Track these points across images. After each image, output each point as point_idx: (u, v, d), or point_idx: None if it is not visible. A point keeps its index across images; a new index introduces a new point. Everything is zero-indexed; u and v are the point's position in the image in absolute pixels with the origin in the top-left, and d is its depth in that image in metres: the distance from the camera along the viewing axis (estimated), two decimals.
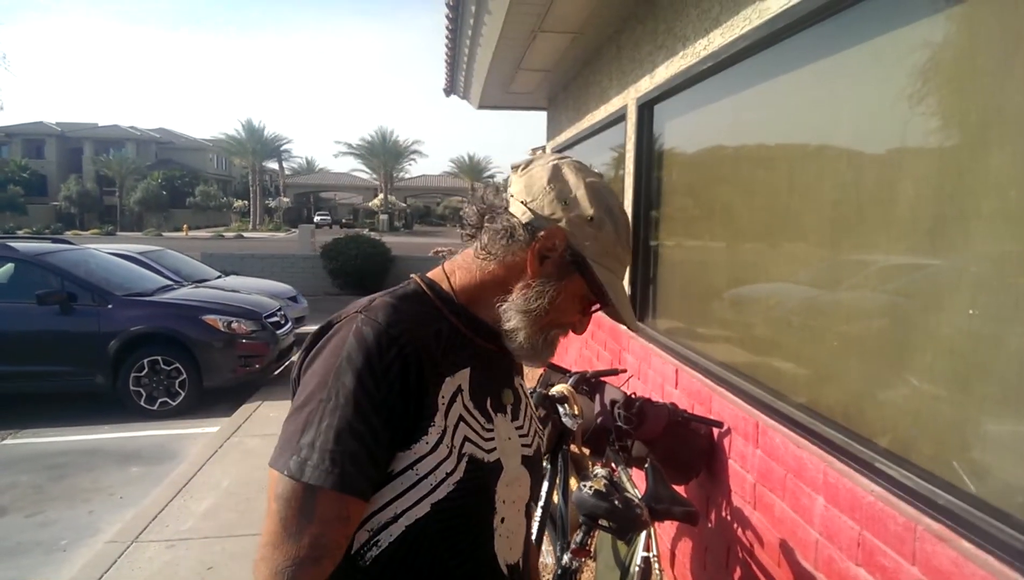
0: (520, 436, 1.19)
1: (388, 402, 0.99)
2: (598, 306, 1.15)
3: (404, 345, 1.01)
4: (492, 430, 1.11)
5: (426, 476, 1.02)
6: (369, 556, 1.04)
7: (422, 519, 1.03)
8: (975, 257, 1.56)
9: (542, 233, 1.08)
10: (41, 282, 7.01)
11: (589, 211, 1.08)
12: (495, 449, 1.10)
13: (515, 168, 1.17)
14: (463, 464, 1.04)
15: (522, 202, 1.10)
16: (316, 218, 57.51)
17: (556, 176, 1.11)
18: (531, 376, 7.51)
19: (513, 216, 1.10)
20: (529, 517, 1.23)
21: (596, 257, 1.08)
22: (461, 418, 1.07)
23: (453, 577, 1.08)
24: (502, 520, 1.12)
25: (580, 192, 1.09)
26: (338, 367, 0.99)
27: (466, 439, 1.06)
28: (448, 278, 1.16)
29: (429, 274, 1.19)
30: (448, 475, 1.03)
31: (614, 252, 1.11)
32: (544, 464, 2.86)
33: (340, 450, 0.95)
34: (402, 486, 1.02)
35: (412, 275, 1.19)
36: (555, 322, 1.12)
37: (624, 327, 1.21)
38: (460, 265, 1.17)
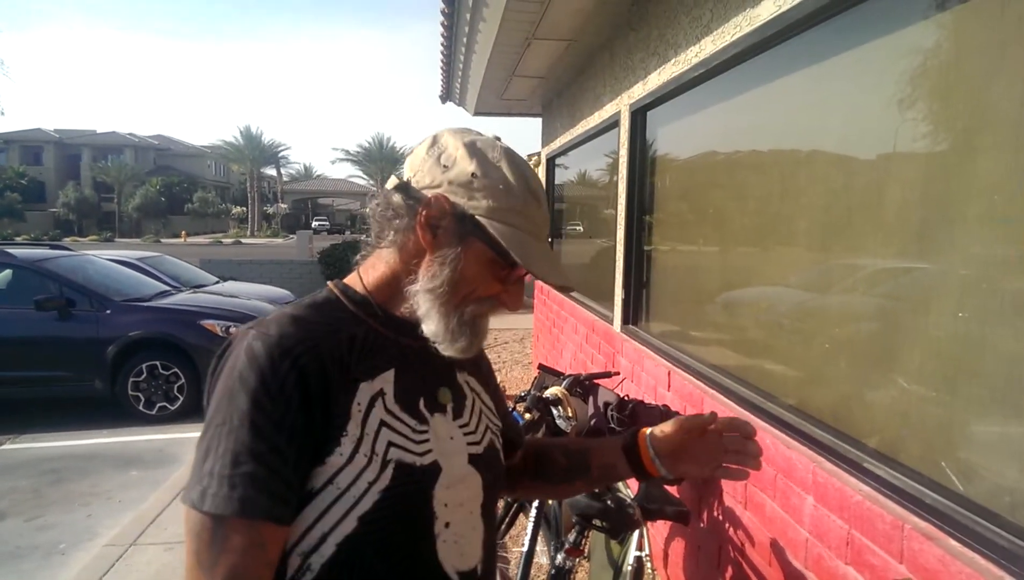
0: (466, 434, 1.12)
1: (288, 418, 0.92)
2: (521, 272, 1.05)
3: (299, 356, 0.94)
4: (426, 431, 1.05)
5: (348, 488, 0.96)
6: None
7: (352, 535, 0.96)
8: (963, 260, 1.58)
9: (422, 204, 1.02)
10: (39, 288, 7.03)
11: (470, 168, 1.01)
12: (430, 451, 1.03)
13: (407, 152, 1.13)
14: (389, 470, 0.98)
15: (405, 180, 1.06)
16: (314, 224, 56.60)
17: (434, 143, 1.06)
18: (525, 380, 7.53)
19: (393, 194, 1.06)
20: (490, 519, 1.16)
21: (488, 213, 1.00)
22: (383, 423, 1.00)
23: None
24: (446, 525, 1.05)
25: (459, 152, 1.03)
26: (231, 388, 0.93)
27: (391, 444, 0.99)
28: (361, 279, 1.11)
29: (345, 279, 1.14)
30: (371, 484, 0.96)
31: (511, 205, 1.01)
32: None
33: (240, 474, 0.89)
34: (324, 503, 0.96)
35: (329, 282, 1.14)
36: (469, 298, 1.04)
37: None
38: (371, 263, 1.12)
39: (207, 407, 0.96)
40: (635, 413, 2.69)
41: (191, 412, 7.07)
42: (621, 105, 4.16)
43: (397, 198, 1.05)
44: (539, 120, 7.89)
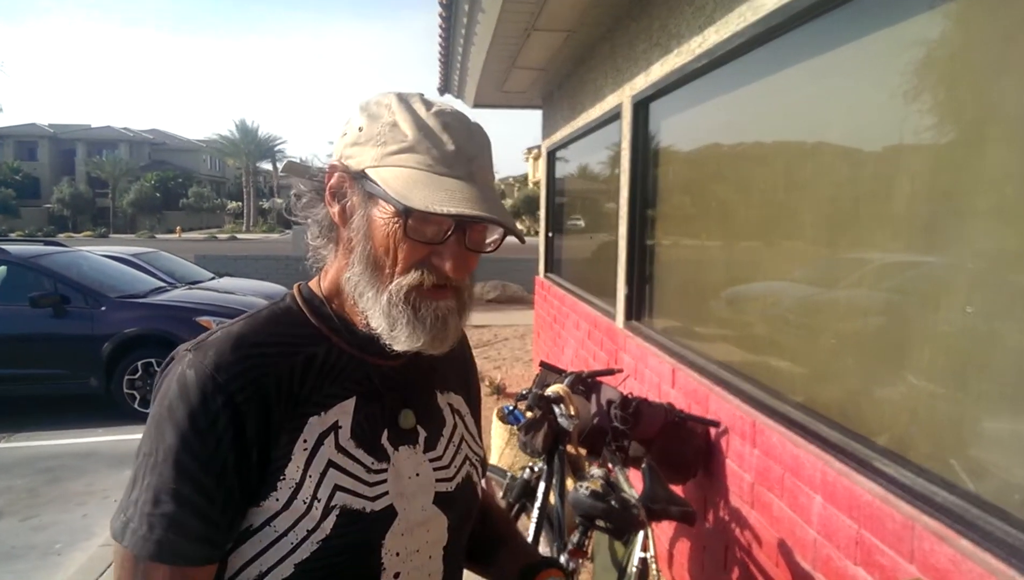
0: (436, 470, 1.00)
1: (218, 458, 0.83)
2: (443, 225, 0.87)
3: (235, 392, 0.84)
4: (384, 470, 0.93)
5: (285, 533, 0.87)
6: None
7: (289, 579, 0.88)
8: (972, 254, 1.56)
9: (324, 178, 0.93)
10: (34, 284, 6.98)
11: (356, 124, 0.91)
12: (385, 494, 0.92)
13: None
14: (331, 519, 0.87)
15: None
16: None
17: (345, 124, 0.95)
18: (526, 377, 7.51)
19: (298, 184, 0.97)
20: (455, 561, 1.05)
21: (376, 162, 0.88)
22: (331, 463, 0.89)
23: None
24: (395, 576, 0.94)
25: (353, 116, 0.92)
26: (159, 418, 0.85)
27: (338, 488, 0.89)
28: (320, 286, 0.99)
29: (310, 282, 1.01)
30: (310, 532, 0.87)
31: (399, 146, 0.87)
32: (542, 466, 2.85)
33: (159, 514, 0.83)
34: (262, 543, 0.88)
35: (295, 285, 1.02)
36: (395, 270, 0.89)
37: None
38: (325, 266, 1.00)
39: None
40: (639, 411, 2.66)
41: None
42: (623, 97, 4.12)
43: (300, 185, 0.96)
44: (539, 112, 7.85)
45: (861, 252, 2.00)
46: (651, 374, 3.51)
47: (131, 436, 6.42)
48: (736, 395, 2.58)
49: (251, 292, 9.46)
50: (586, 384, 2.97)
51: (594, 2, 4.07)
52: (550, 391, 2.82)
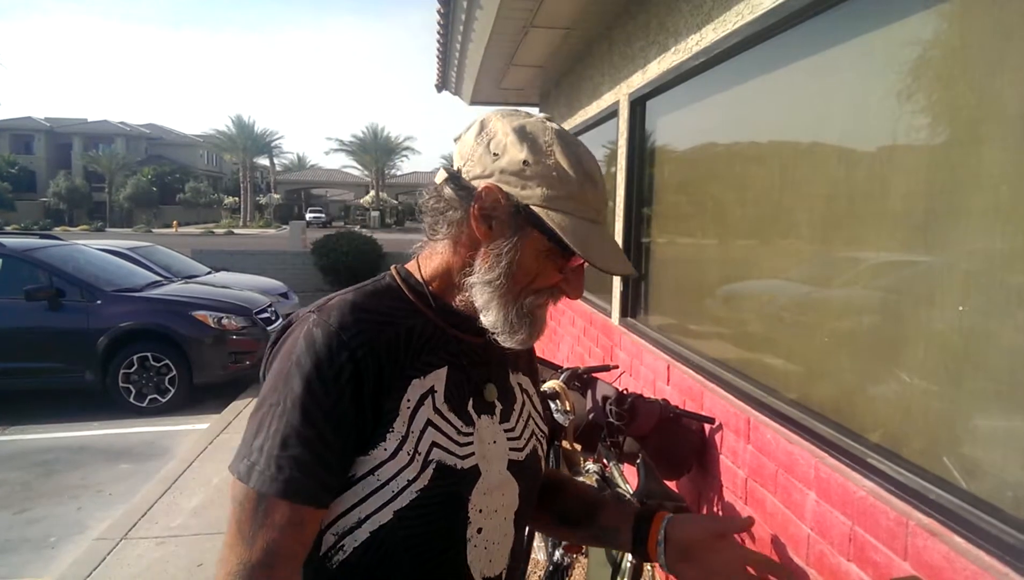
0: (509, 439, 1.11)
1: (338, 408, 0.93)
2: (580, 260, 1.00)
3: (356, 349, 0.95)
4: (471, 434, 1.04)
5: (387, 483, 0.97)
6: (336, 560, 1.00)
7: (386, 526, 0.98)
8: (965, 253, 1.56)
9: (475, 194, 0.99)
10: (29, 278, 6.98)
11: (521, 155, 0.97)
12: (472, 454, 1.03)
13: (456, 138, 1.08)
14: (429, 471, 0.98)
15: (455, 169, 1.03)
16: (308, 216, 53.14)
17: (482, 129, 1.02)
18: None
19: (444, 186, 1.03)
20: (521, 527, 1.15)
21: (543, 202, 0.96)
22: (430, 423, 1.00)
23: None
24: (478, 530, 1.05)
25: (509, 138, 0.98)
26: (288, 371, 0.94)
27: (434, 445, 0.99)
28: (420, 269, 1.09)
29: (407, 265, 1.12)
30: (410, 482, 0.97)
31: (566, 191, 0.96)
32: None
33: (287, 455, 0.92)
34: (364, 491, 0.97)
35: (392, 267, 1.12)
36: (529, 288, 1.00)
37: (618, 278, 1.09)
38: (428, 254, 1.09)
39: (263, 382, 0.99)
40: (634, 407, 2.67)
41: (182, 405, 7.04)
42: (620, 94, 4.12)
43: (448, 190, 1.02)
44: (536, 109, 7.84)
45: (855, 251, 2.00)
46: (646, 370, 3.51)
47: (126, 430, 6.42)
48: (730, 392, 2.59)
49: (248, 287, 9.46)
50: (582, 380, 2.97)
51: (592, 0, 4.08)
52: (546, 386, 2.82)
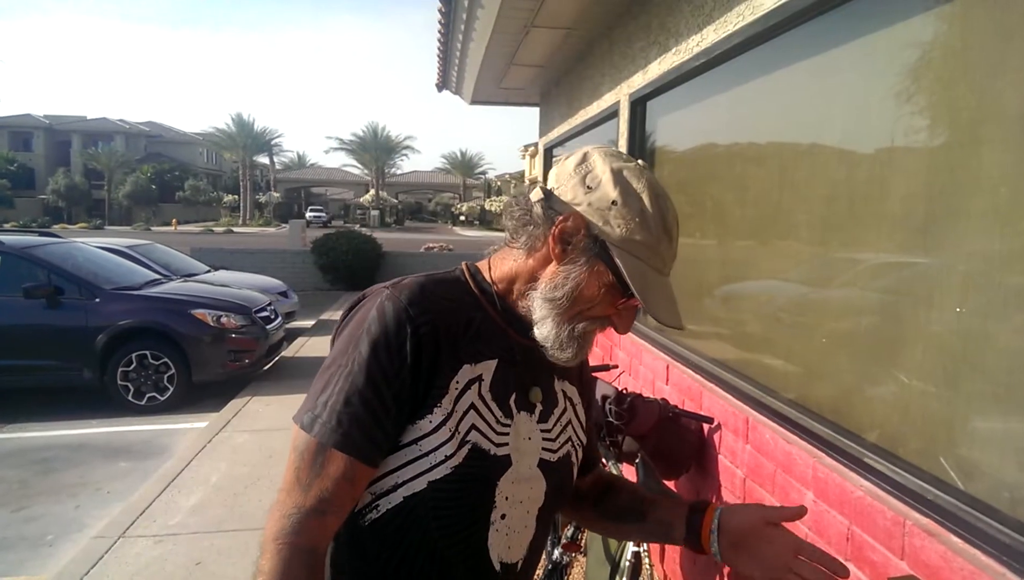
0: (545, 439, 1.18)
1: (400, 376, 1.02)
2: (637, 301, 1.06)
3: (420, 325, 1.04)
4: (509, 426, 1.11)
5: (427, 454, 1.04)
6: (368, 518, 1.08)
7: (419, 494, 1.05)
8: (964, 255, 1.57)
9: (560, 217, 1.05)
10: (28, 275, 6.95)
11: (612, 194, 1.04)
12: (506, 444, 1.10)
13: (557, 160, 1.16)
14: (464, 451, 1.05)
15: (548, 189, 1.10)
16: (308, 215, 51.33)
17: (583, 161, 1.08)
18: None
19: (534, 203, 1.09)
20: (544, 524, 1.21)
21: (619, 242, 1.03)
22: (473, 406, 1.08)
23: (441, 558, 1.09)
24: (502, 516, 1.12)
25: (605, 176, 1.05)
26: (359, 337, 1.04)
27: (474, 427, 1.07)
28: (490, 269, 1.17)
29: (477, 263, 1.20)
30: (447, 458, 1.04)
31: (643, 239, 1.03)
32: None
33: (348, 412, 1.00)
34: (405, 458, 1.05)
35: (463, 263, 1.20)
36: (584, 314, 1.08)
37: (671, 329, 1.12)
38: (500, 256, 1.17)
39: (332, 347, 1.09)
40: (633, 407, 2.67)
41: (181, 403, 7.04)
42: (620, 95, 4.13)
43: (538, 208, 1.09)
44: (536, 109, 7.85)
45: (854, 252, 2.01)
46: (645, 370, 3.52)
47: (124, 428, 6.42)
48: (729, 392, 2.59)
49: (247, 285, 9.46)
50: None
51: (594, 0, 4.07)
52: None
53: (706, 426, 2.75)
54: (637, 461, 2.46)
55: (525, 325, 1.11)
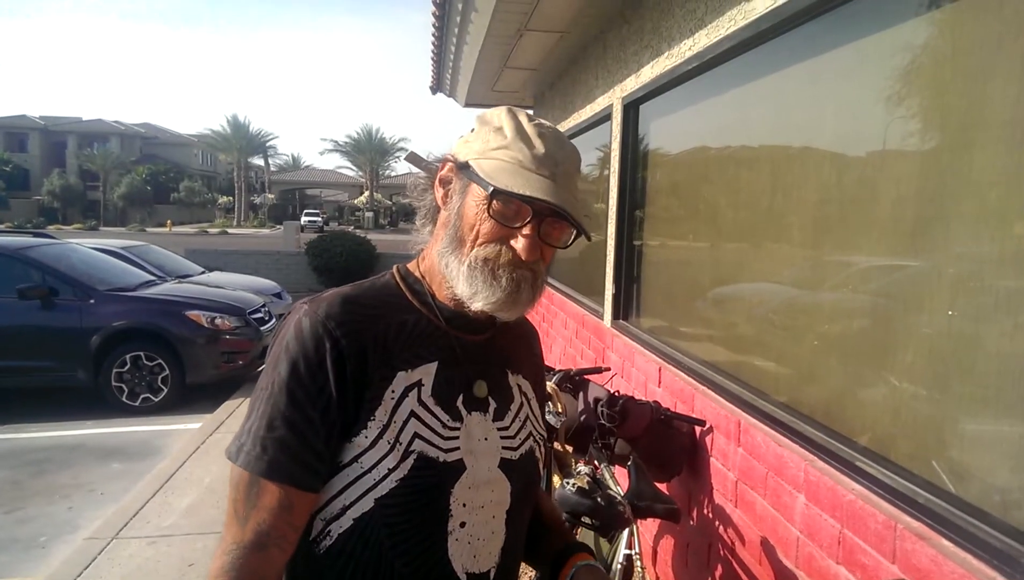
0: (504, 438, 1.12)
1: (324, 394, 0.98)
2: (524, 215, 1.01)
3: (340, 338, 0.99)
4: (457, 429, 1.06)
5: (369, 470, 1.00)
6: (323, 546, 1.04)
7: (367, 514, 1.01)
8: (955, 258, 1.57)
9: (438, 167, 1.10)
10: (22, 276, 6.93)
11: (472, 129, 1.10)
12: (457, 449, 1.05)
13: None
14: (409, 461, 1.00)
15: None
16: (303, 219, 44.64)
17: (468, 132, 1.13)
18: None
19: (420, 176, 1.14)
20: (517, 527, 1.15)
21: (479, 155, 1.04)
22: (413, 414, 1.03)
23: (399, 576, 1.03)
24: (461, 524, 1.06)
25: (474, 124, 1.11)
26: (277, 357, 1.00)
27: (417, 436, 1.02)
28: (419, 265, 1.15)
29: (408, 264, 1.17)
30: (391, 471, 1.00)
31: (500, 143, 1.03)
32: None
33: (272, 437, 0.97)
34: (348, 478, 1.01)
35: (395, 266, 1.17)
36: (481, 243, 1.03)
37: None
38: (426, 248, 1.15)
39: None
40: (625, 409, 2.67)
41: (175, 404, 7.02)
42: (613, 98, 4.14)
43: (422, 179, 1.13)
44: (531, 112, 7.86)
45: (846, 255, 2.01)
46: (638, 373, 3.52)
47: (118, 429, 6.40)
48: (721, 394, 2.60)
49: (241, 287, 9.43)
50: (573, 382, 2.98)
51: (587, 3, 4.08)
52: None
53: (698, 429, 2.76)
54: (629, 463, 2.46)
55: (465, 319, 1.09)
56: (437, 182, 1.09)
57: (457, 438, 1.05)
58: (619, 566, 2.36)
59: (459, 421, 1.07)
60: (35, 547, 4.16)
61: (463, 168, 1.05)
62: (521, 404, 1.19)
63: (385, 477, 1.00)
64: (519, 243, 1.02)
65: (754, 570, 2.29)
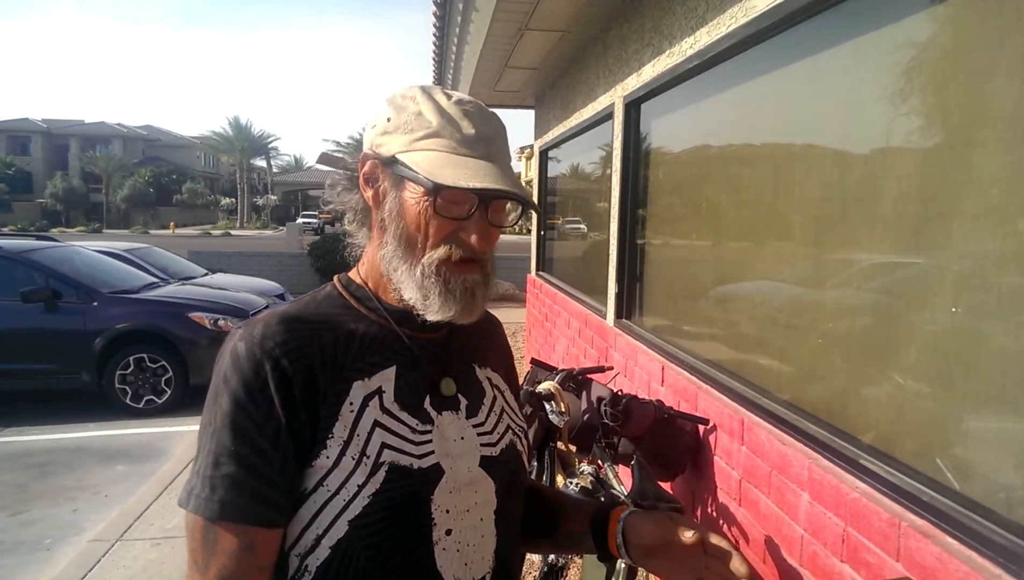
0: (481, 435, 1.06)
1: (272, 421, 0.91)
2: (475, 205, 0.96)
3: (280, 357, 0.92)
4: (429, 432, 0.99)
5: (337, 491, 0.92)
6: None
7: (343, 539, 0.93)
8: (958, 255, 1.57)
9: (358, 166, 1.03)
10: (26, 279, 6.96)
11: (384, 116, 1.01)
12: (431, 453, 0.98)
13: None
14: (381, 474, 0.93)
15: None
16: (299, 221, 39.44)
17: (374, 117, 1.05)
18: (518, 374, 7.51)
19: (337, 177, 1.08)
20: (508, 527, 1.08)
21: (405, 148, 0.98)
22: (377, 423, 0.96)
23: None
24: (447, 532, 0.98)
25: (379, 110, 1.03)
26: (216, 389, 0.93)
27: (385, 446, 0.95)
28: (359, 272, 1.09)
29: (349, 273, 1.11)
30: (361, 487, 0.92)
31: (425, 132, 0.97)
32: (533, 463, 2.86)
33: (220, 475, 0.90)
34: (316, 505, 0.93)
35: (335, 276, 1.11)
36: (425, 245, 0.97)
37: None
38: (364, 254, 1.09)
39: None
40: (628, 408, 2.67)
41: (179, 406, 7.02)
42: (615, 97, 4.13)
43: (341, 178, 1.07)
44: (532, 112, 7.85)
45: (848, 253, 2.01)
46: (641, 372, 3.52)
47: (122, 431, 6.41)
48: (724, 393, 2.59)
49: (244, 288, 9.44)
50: (576, 381, 2.98)
51: (588, 2, 4.08)
52: (541, 388, 2.83)
53: (701, 427, 2.75)
54: (633, 463, 2.46)
55: (413, 317, 1.01)
56: (362, 181, 1.02)
57: (430, 442, 0.99)
58: (623, 566, 2.36)
59: (429, 423, 1.00)
60: (40, 549, 4.17)
61: (390, 164, 0.99)
62: (494, 398, 1.13)
63: (356, 495, 0.92)
64: (471, 236, 0.97)
65: (758, 569, 2.29)
